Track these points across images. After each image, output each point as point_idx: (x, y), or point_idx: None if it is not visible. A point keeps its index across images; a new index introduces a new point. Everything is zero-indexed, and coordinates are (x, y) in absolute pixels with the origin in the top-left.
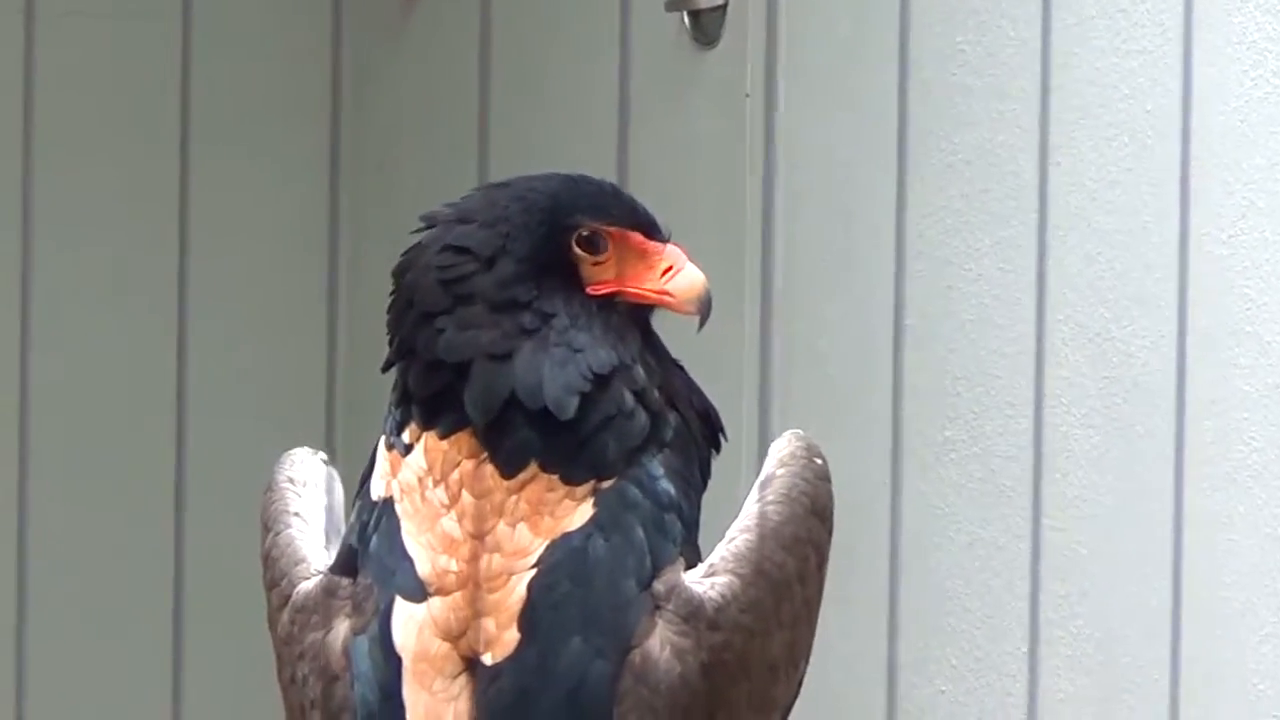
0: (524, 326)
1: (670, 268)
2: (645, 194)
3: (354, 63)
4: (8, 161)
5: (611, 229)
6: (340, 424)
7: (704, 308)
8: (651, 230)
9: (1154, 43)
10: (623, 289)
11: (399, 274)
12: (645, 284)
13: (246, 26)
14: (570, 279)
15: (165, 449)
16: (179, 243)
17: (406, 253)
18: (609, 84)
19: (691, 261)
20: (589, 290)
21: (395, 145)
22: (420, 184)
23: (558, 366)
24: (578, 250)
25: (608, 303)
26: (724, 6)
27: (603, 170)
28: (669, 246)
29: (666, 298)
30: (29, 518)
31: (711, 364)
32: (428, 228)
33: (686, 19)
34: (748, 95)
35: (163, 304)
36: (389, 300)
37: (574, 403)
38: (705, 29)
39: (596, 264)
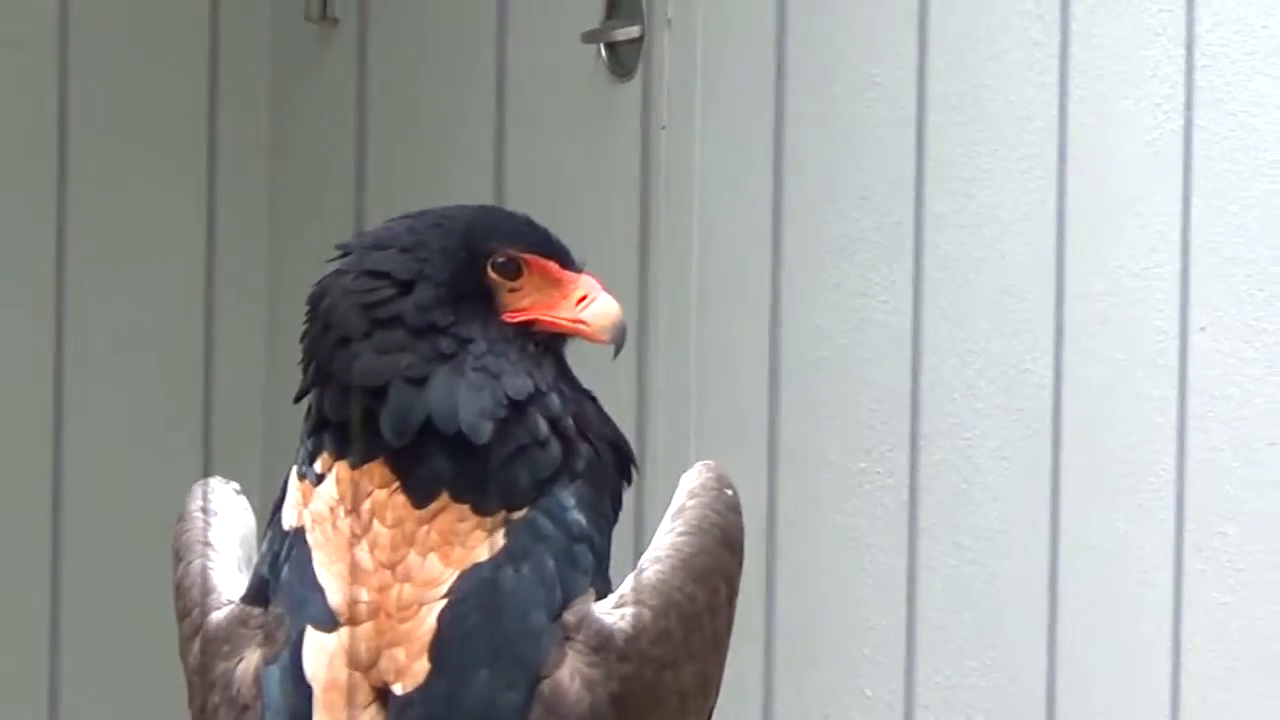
0: (441, 351)
1: (585, 296)
2: (561, 224)
3: (269, 81)
4: None
5: (527, 256)
6: (258, 454)
7: (618, 336)
8: (565, 259)
9: (1067, 75)
10: (538, 317)
11: (315, 300)
12: (560, 312)
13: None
14: (487, 305)
15: (76, 479)
16: (58, 272)
17: (322, 279)
18: (525, 115)
19: (606, 291)
20: (505, 317)
21: (308, 170)
22: (334, 211)
23: (474, 391)
24: (494, 276)
25: (524, 330)
26: (640, 39)
27: (516, 200)
28: (583, 276)
29: (581, 326)
30: None
31: (624, 394)
32: (344, 255)
33: (603, 51)
34: (664, 127)
35: (48, 328)
36: (304, 327)
37: (489, 428)
38: (621, 61)
39: (512, 291)
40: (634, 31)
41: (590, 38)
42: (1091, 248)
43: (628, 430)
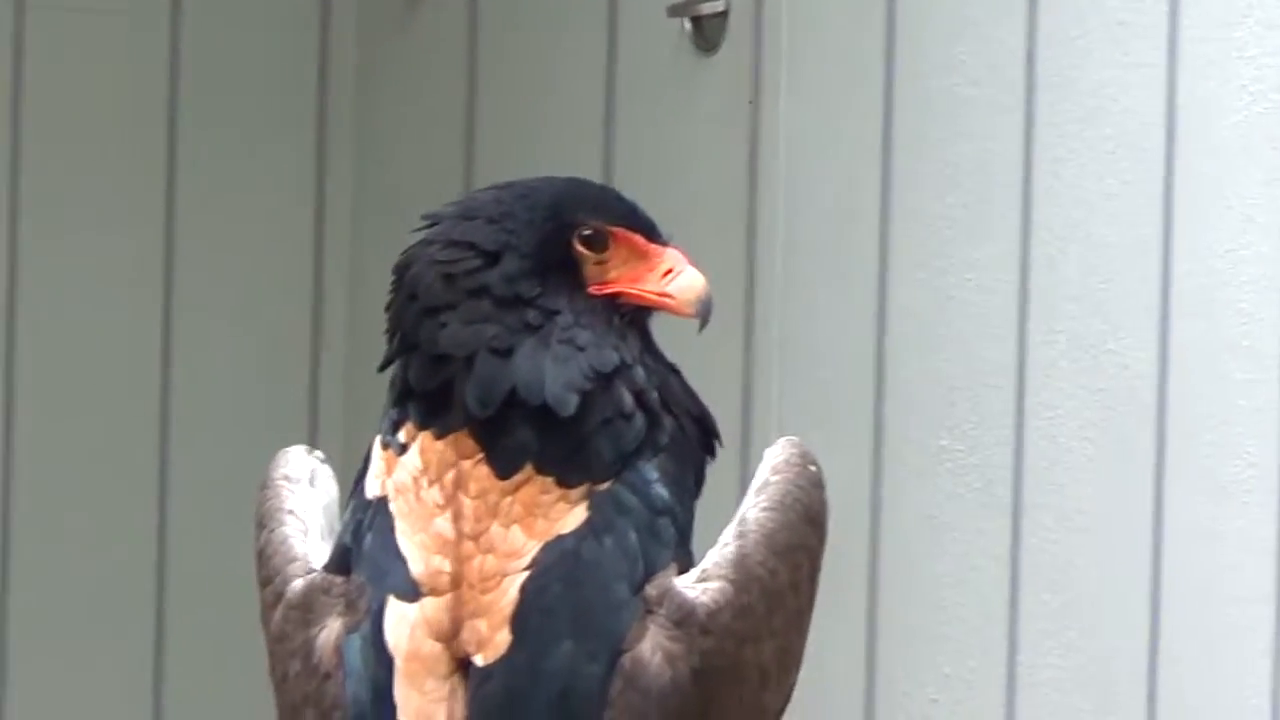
0: (528, 322)
1: (670, 270)
2: (646, 198)
3: (356, 60)
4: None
5: (613, 229)
6: (339, 423)
7: (704, 310)
8: (652, 232)
9: (1153, 56)
10: (624, 289)
11: (401, 269)
12: (646, 285)
13: (244, 19)
14: (573, 277)
15: (151, 445)
16: (166, 241)
17: (409, 249)
18: (609, 88)
19: (692, 265)
20: (591, 289)
21: (392, 146)
22: (417, 185)
23: (560, 364)
24: (580, 248)
25: (609, 303)
26: (725, 13)
27: (602, 173)
28: (669, 249)
29: (667, 299)
30: (10, 512)
31: (709, 368)
32: (430, 225)
33: (688, 25)
34: (750, 102)
35: (153, 300)
36: (389, 296)
37: (575, 400)
38: (707, 35)
39: (599, 263)
40: (719, 5)
41: (676, 11)
42: (1179, 230)
43: (712, 405)
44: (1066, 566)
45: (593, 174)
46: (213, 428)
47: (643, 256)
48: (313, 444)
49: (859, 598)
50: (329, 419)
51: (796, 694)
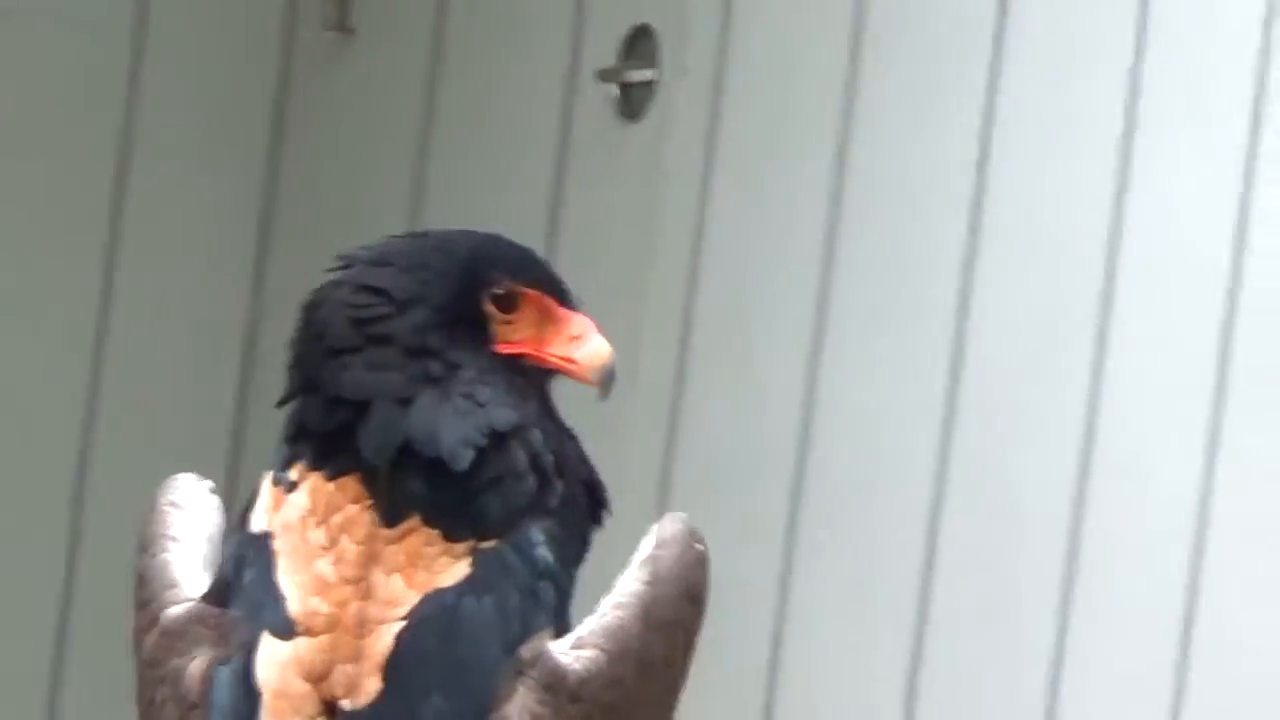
0: (430, 374)
1: (578, 336)
2: (557, 259)
3: (296, 94)
4: None
5: (526, 290)
6: (239, 455)
7: (607, 379)
8: (564, 297)
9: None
10: (530, 351)
11: (310, 308)
12: (552, 349)
13: (191, 43)
14: (480, 334)
15: (65, 460)
16: (106, 253)
17: (320, 288)
18: (532, 144)
19: (600, 333)
20: (497, 347)
21: (329, 180)
22: (350, 222)
23: (458, 417)
24: (491, 307)
25: (514, 362)
26: (654, 82)
27: (522, 229)
28: (579, 315)
29: (571, 365)
30: None
31: (601, 437)
32: (344, 267)
33: (617, 90)
34: (667, 172)
35: (83, 313)
36: (295, 333)
37: (469, 455)
38: (632, 102)
39: (507, 322)
40: (649, 74)
41: (606, 76)
42: None
43: (604, 474)
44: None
45: (516, 228)
46: (121, 447)
47: (552, 320)
48: (213, 474)
49: (729, 681)
50: (216, 448)
51: None
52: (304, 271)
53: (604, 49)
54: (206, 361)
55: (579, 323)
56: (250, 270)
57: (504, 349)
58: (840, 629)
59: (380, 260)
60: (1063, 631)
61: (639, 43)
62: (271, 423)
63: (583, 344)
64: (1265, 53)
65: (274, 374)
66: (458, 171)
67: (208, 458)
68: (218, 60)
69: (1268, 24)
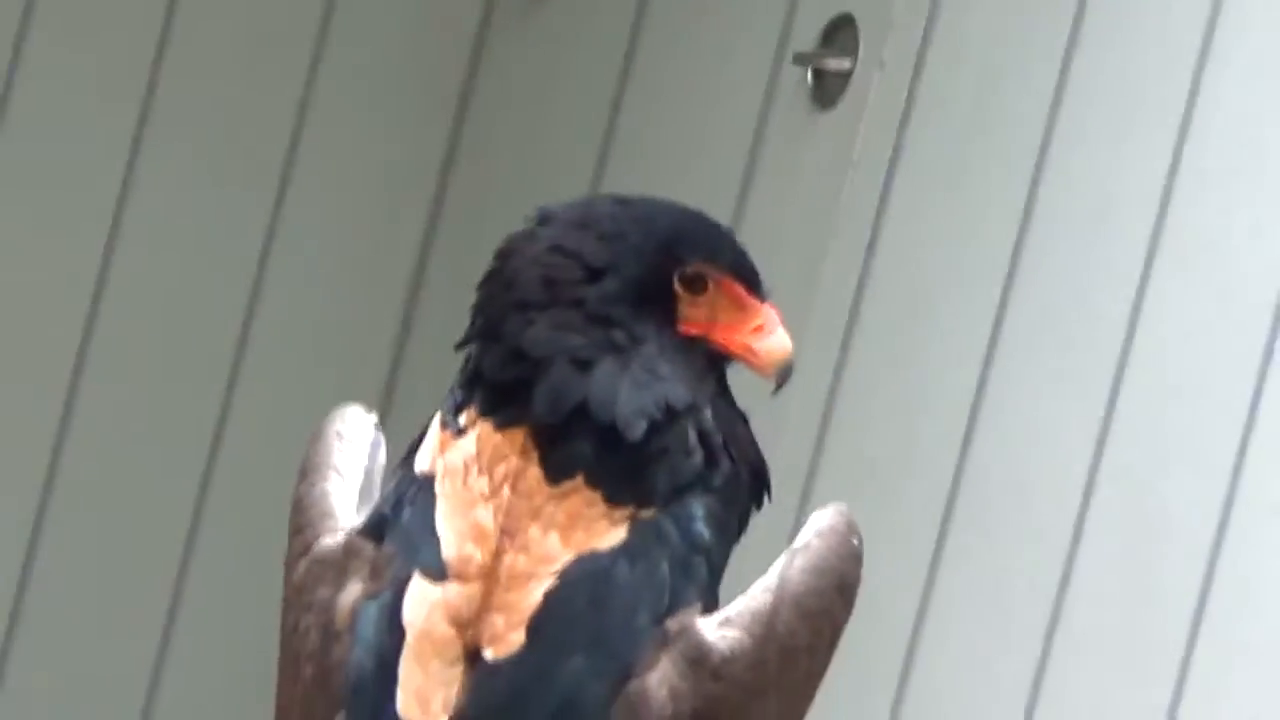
0: (614, 342)
1: (762, 327)
2: (738, 237)
3: (489, 55)
4: (133, 78)
5: (718, 274)
6: (400, 391)
7: (784, 375)
8: (754, 286)
9: (1256, 210)
10: (712, 335)
11: (503, 256)
12: (735, 335)
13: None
14: (666, 311)
15: (219, 379)
16: (280, 180)
17: (513, 237)
18: (723, 124)
19: (784, 327)
20: (681, 326)
21: (516, 137)
22: (530, 183)
23: (635, 388)
24: (679, 287)
25: (693, 343)
26: (850, 73)
27: (705, 207)
28: (766, 306)
29: (751, 356)
30: (70, 429)
31: (766, 424)
32: (541, 221)
33: (810, 76)
34: (853, 164)
35: (252, 238)
36: (483, 278)
37: (642, 426)
38: (826, 89)
39: (693, 304)
40: (845, 64)
41: (802, 60)
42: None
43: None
44: (1072, 688)
45: (687, 199)
46: (286, 372)
47: (739, 308)
48: (376, 407)
49: (864, 677)
50: (394, 385)
51: None
52: (477, 227)
53: (805, 33)
54: (371, 300)
55: (765, 314)
56: (424, 218)
57: (687, 329)
58: (972, 636)
59: (580, 223)
60: (1188, 661)
61: (840, 30)
62: (430, 365)
63: (766, 336)
64: None
65: (435, 321)
66: (645, 143)
67: (364, 393)
68: (414, 17)
69: None
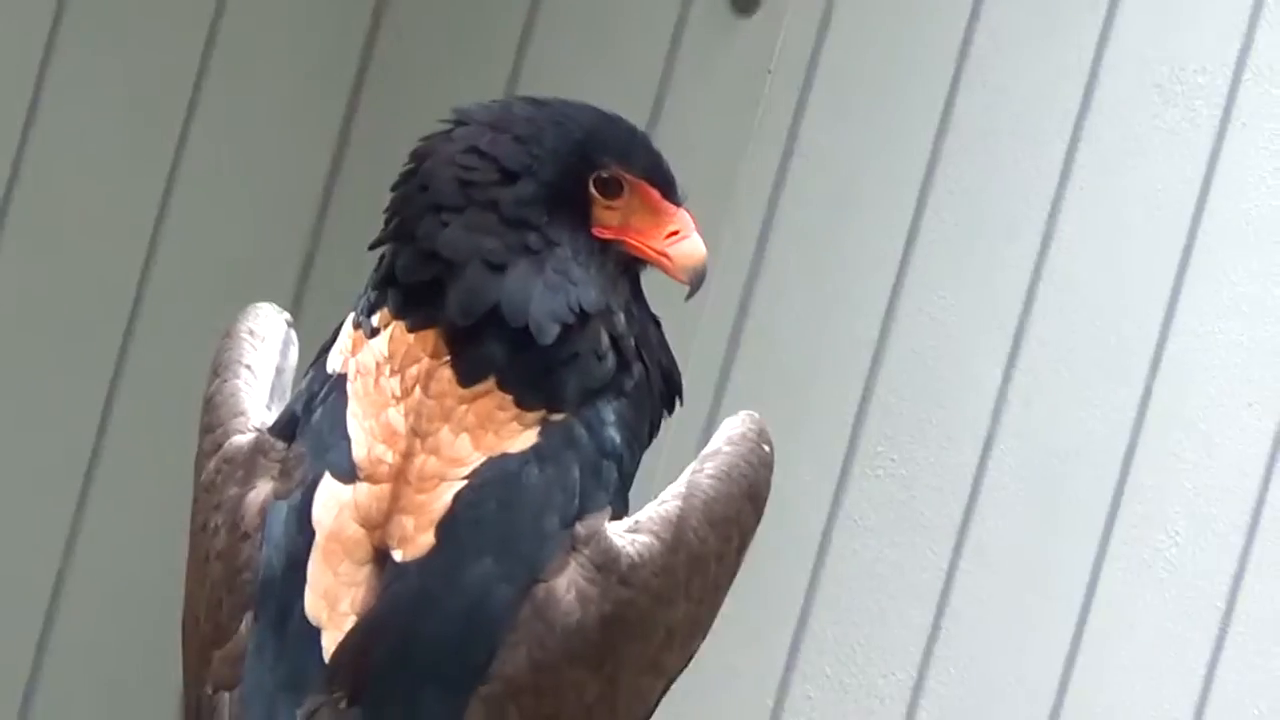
0: (528, 245)
1: (676, 231)
2: (656, 143)
3: None
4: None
5: (633, 178)
6: (312, 290)
7: (697, 280)
8: (669, 190)
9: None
10: (627, 239)
11: (418, 158)
12: (649, 240)
13: None
14: (581, 214)
15: (129, 275)
16: (196, 73)
17: (430, 139)
18: (647, 36)
19: (697, 232)
20: (595, 231)
21: (432, 38)
22: (446, 84)
23: (549, 291)
24: (594, 191)
25: (608, 247)
26: None
27: (622, 109)
28: (681, 210)
29: (665, 260)
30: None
31: (678, 330)
32: (458, 123)
33: None
34: (769, 71)
35: (168, 123)
36: (398, 179)
37: (555, 330)
38: None
39: (609, 208)
40: None
41: None
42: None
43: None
44: (972, 600)
45: (605, 103)
46: (198, 267)
47: (653, 211)
48: (283, 306)
49: (770, 583)
50: (286, 281)
51: (696, 662)
52: (393, 125)
53: None
54: (284, 200)
55: (680, 218)
56: (341, 113)
57: (601, 233)
58: (881, 546)
59: (497, 125)
60: (1096, 573)
61: None
62: (343, 264)
63: (680, 240)
64: None
65: (349, 221)
66: (562, 46)
67: (276, 291)
68: None
69: None
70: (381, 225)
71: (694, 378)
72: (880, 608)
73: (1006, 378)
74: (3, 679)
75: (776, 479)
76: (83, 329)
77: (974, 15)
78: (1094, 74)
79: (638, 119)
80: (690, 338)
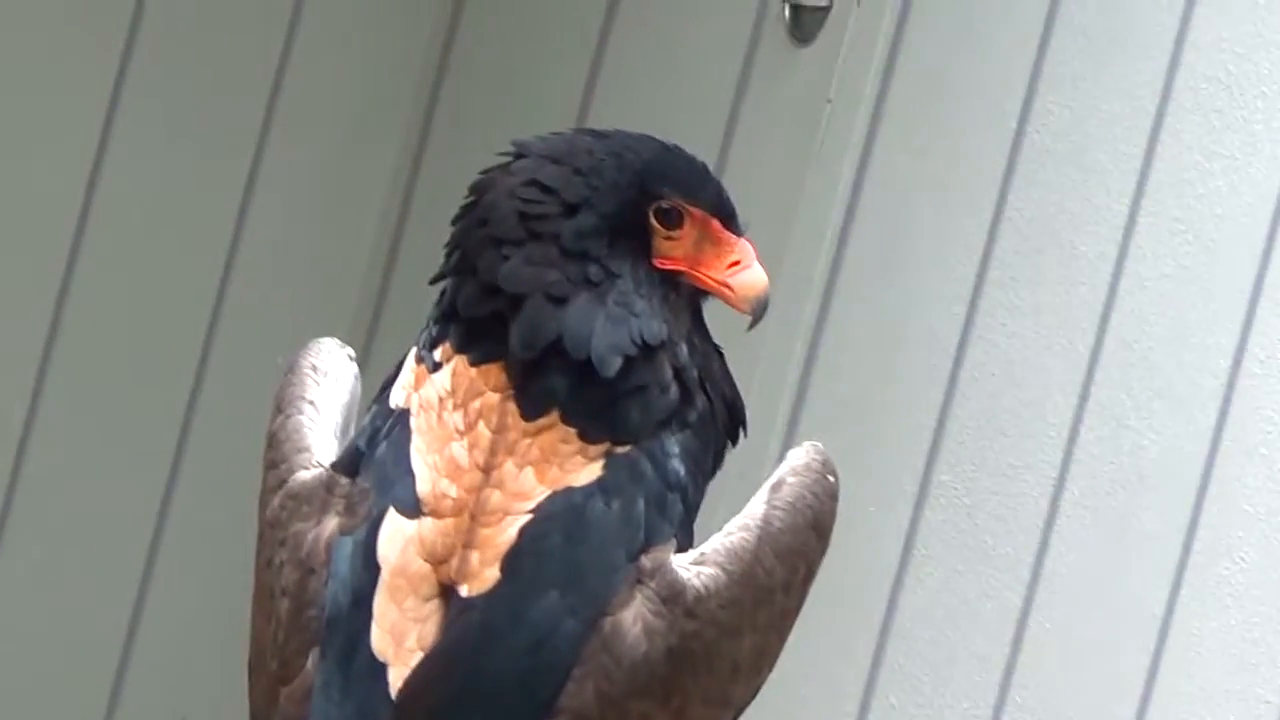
0: (589, 278)
1: (738, 262)
2: (714, 171)
3: None
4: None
5: (694, 209)
6: (376, 325)
7: (759, 310)
8: (730, 220)
9: (1239, 150)
10: (688, 270)
11: (478, 191)
12: (711, 271)
13: None
14: (641, 246)
15: (202, 310)
16: (266, 109)
17: (489, 171)
18: (701, 59)
19: (759, 262)
20: (656, 262)
21: (500, 70)
22: (513, 117)
23: (610, 324)
24: (655, 222)
25: (669, 278)
26: (827, 9)
27: (686, 140)
28: (742, 241)
29: (727, 290)
30: (51, 362)
31: (742, 361)
32: (517, 155)
33: (788, 12)
34: (829, 100)
35: (237, 169)
36: (458, 213)
37: (617, 362)
38: (803, 26)
39: (669, 239)
40: (823, 0)
41: None
42: (1229, 325)
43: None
44: (1038, 629)
45: (669, 133)
46: (261, 304)
47: (714, 242)
48: (346, 341)
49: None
50: (354, 316)
51: (764, 692)
52: (459, 159)
53: None
54: (348, 234)
55: (741, 249)
56: (408, 148)
57: (662, 264)
58: (954, 578)
59: (555, 157)
60: (1172, 603)
61: None
62: (406, 299)
63: (741, 271)
64: None
65: (413, 255)
66: (628, 78)
67: (339, 326)
68: None
69: None
70: (443, 258)
71: (757, 409)
72: (955, 642)
73: (1080, 407)
74: (81, 715)
75: (846, 512)
76: (157, 356)
77: (1043, 40)
78: (1164, 98)
79: (699, 150)
80: (753, 369)
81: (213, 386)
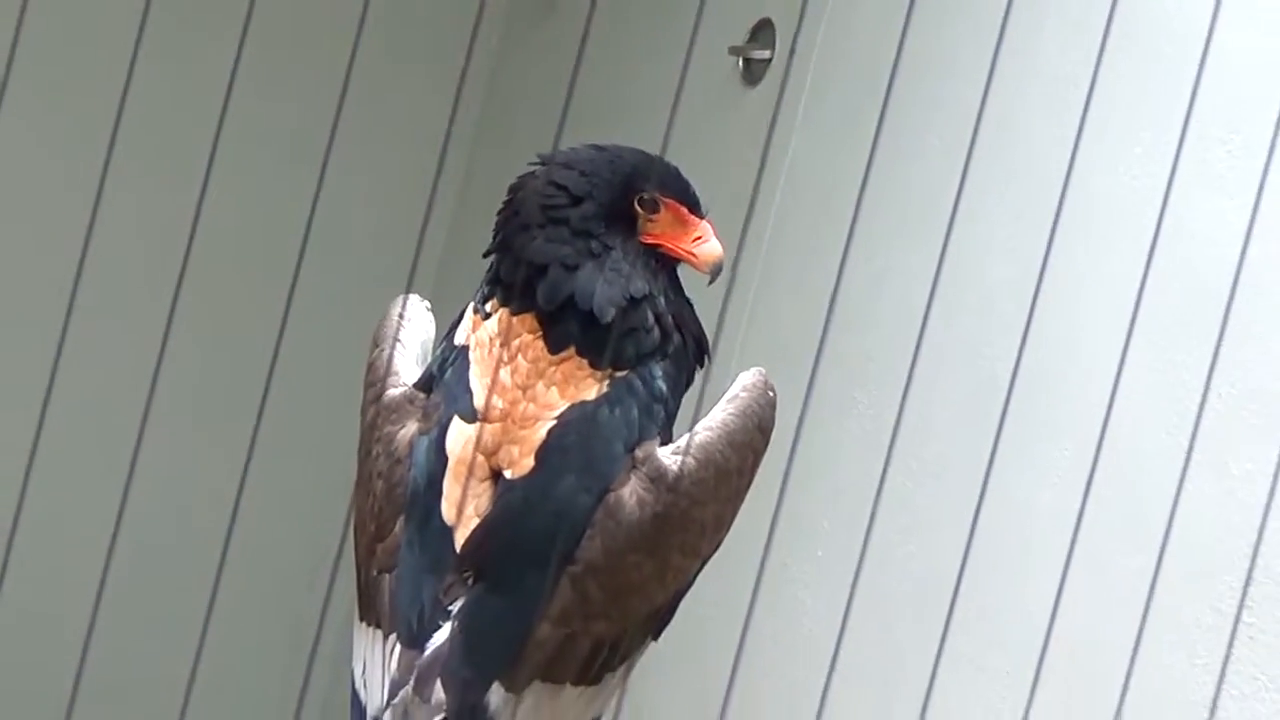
0: (591, 250)
1: (700, 236)
2: (693, 179)
3: (510, 54)
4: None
5: (667, 198)
6: (443, 284)
7: (715, 271)
8: (695, 207)
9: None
10: (664, 243)
11: (514, 190)
12: (680, 244)
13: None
14: (630, 226)
15: (319, 279)
16: (375, 138)
17: (523, 176)
18: (681, 103)
19: (717, 237)
20: (641, 238)
21: (530, 111)
22: (539, 143)
23: (607, 284)
24: (638, 208)
25: (650, 250)
26: (769, 60)
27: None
28: (704, 222)
29: (692, 257)
30: (179, 306)
31: (705, 309)
32: (541, 164)
33: (741, 63)
34: (771, 126)
35: (348, 182)
36: (501, 206)
37: (612, 312)
38: (753, 73)
39: (650, 220)
40: (766, 54)
41: (734, 51)
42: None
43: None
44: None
45: (652, 150)
46: (352, 268)
47: (683, 223)
48: (425, 297)
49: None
50: (429, 279)
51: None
52: (501, 173)
53: (737, 31)
54: (424, 224)
55: (703, 228)
56: (463, 166)
57: (645, 239)
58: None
59: (567, 164)
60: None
61: (762, 29)
62: (465, 268)
63: (703, 243)
64: None
65: (469, 238)
66: (620, 112)
67: (420, 286)
68: (443, 32)
69: None
70: (491, 239)
71: (716, 344)
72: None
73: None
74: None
75: (780, 417)
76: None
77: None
78: (1181, 141)
79: (673, 160)
80: (713, 315)
81: (325, 333)
